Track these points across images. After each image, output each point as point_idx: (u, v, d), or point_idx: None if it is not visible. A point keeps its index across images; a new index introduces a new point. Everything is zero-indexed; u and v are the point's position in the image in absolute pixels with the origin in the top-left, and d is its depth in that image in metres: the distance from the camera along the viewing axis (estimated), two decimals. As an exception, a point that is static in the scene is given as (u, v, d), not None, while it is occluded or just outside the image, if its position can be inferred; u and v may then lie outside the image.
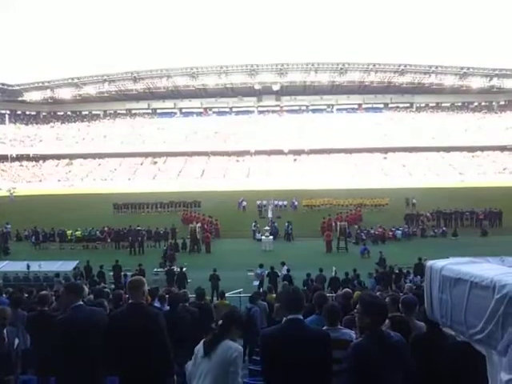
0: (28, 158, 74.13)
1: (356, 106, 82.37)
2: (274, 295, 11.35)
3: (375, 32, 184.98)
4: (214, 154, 71.20)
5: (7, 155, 70.85)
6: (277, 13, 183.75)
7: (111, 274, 17.80)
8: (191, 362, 3.45)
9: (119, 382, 3.92)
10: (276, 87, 76.52)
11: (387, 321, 3.92)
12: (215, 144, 71.75)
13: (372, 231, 26.32)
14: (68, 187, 60.95)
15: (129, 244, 24.76)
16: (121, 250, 25.17)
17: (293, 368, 3.11)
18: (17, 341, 4.52)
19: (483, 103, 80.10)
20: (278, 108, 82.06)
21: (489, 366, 2.26)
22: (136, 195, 44.49)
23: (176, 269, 18.03)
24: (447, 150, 67.81)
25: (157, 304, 7.17)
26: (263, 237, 25.26)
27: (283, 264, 17.02)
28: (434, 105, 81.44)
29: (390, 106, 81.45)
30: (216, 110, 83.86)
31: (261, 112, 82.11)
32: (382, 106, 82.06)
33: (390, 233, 26.27)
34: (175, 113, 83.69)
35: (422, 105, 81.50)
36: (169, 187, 54.16)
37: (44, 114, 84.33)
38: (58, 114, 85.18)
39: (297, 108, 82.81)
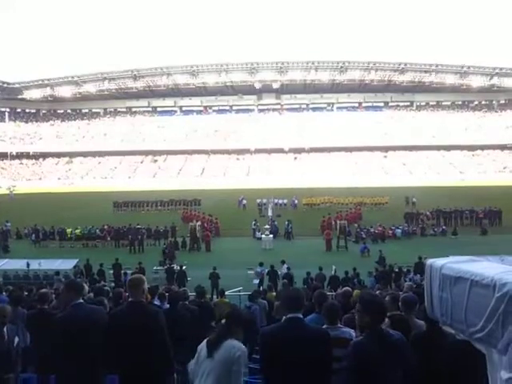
0: (28, 155, 74.11)
1: (356, 105, 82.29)
2: (274, 293, 11.37)
3: (376, 30, 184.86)
4: (214, 152, 71.20)
5: (7, 153, 70.83)
6: (277, 11, 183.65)
7: (111, 272, 17.82)
8: (194, 360, 3.45)
9: (119, 381, 3.92)
10: (276, 85, 76.47)
11: (387, 319, 3.93)
12: (215, 142, 71.74)
13: (372, 230, 26.34)
14: (68, 185, 60.95)
15: (129, 242, 24.77)
16: (121, 248, 25.18)
17: (292, 366, 3.12)
18: (17, 339, 4.52)
19: (483, 102, 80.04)
20: (278, 106, 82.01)
21: (489, 364, 2.25)
22: (136, 193, 44.49)
23: (176, 267, 18.05)
24: (447, 148, 67.81)
25: (157, 302, 7.18)
26: (263, 235, 25.27)
27: (283, 262, 17.04)
28: (435, 103, 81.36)
29: (391, 104, 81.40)
30: (216, 108, 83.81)
31: (261, 110, 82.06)
32: (382, 104, 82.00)
33: (390, 231, 26.28)
34: (175, 111, 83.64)
35: (423, 103, 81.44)
36: (169, 185, 54.15)
37: (44, 111, 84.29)
38: (58, 111, 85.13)
39: (297, 106, 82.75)
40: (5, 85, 73.03)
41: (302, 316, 3.32)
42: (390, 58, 72.67)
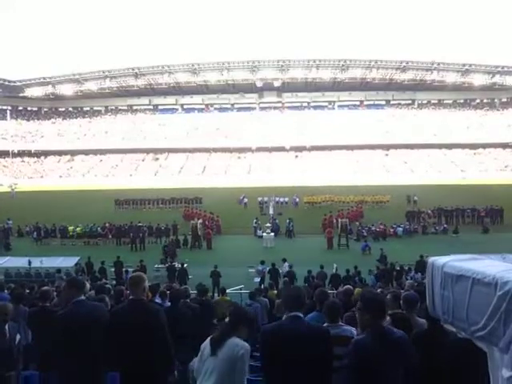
0: (29, 153, 74.16)
1: (358, 103, 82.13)
2: (275, 292, 11.39)
3: (377, 29, 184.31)
4: (216, 150, 71.17)
5: (9, 151, 70.91)
6: (278, 9, 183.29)
7: (112, 270, 17.85)
8: (197, 358, 3.45)
9: (120, 378, 3.93)
10: (277, 84, 76.34)
11: (388, 318, 3.93)
12: (216, 140, 71.70)
13: (373, 228, 26.35)
14: (69, 183, 60.99)
15: (130, 240, 24.82)
16: (122, 246, 25.22)
17: (292, 364, 3.12)
18: (18, 336, 4.53)
19: (485, 100, 79.83)
20: (279, 104, 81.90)
21: (490, 362, 2.25)
22: (137, 191, 44.51)
23: (177, 265, 18.08)
24: (449, 147, 67.67)
25: (158, 300, 7.19)
26: (264, 233, 25.29)
27: (284, 261, 17.07)
28: (436, 102, 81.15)
29: (392, 102, 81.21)
30: (217, 106, 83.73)
31: (262, 108, 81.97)
32: (383, 102, 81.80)
33: (391, 230, 26.29)
34: (177, 109, 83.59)
35: (424, 102, 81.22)
36: (170, 183, 54.15)
37: (45, 109, 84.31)
38: (60, 109, 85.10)
39: (298, 104, 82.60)
40: (6, 83, 73.03)
41: (302, 315, 3.33)
42: (392, 56, 72.86)
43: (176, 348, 4.19)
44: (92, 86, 76.45)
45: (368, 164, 64.05)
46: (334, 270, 15.84)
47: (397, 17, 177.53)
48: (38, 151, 74.18)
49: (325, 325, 3.81)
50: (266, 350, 3.28)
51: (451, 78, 72.41)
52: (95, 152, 72.26)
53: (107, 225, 26.96)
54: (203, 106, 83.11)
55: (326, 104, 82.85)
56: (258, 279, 16.51)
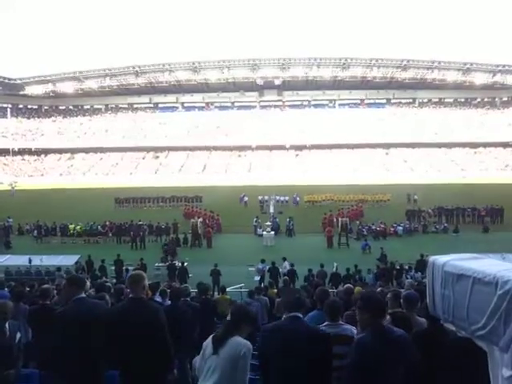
0: (30, 152, 74.17)
1: (358, 102, 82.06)
2: (275, 290, 11.41)
3: (378, 27, 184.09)
4: (216, 148, 71.14)
5: (9, 149, 70.89)
6: (279, 7, 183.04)
7: (113, 268, 17.87)
8: (199, 356, 3.45)
9: (119, 376, 3.93)
10: (278, 82, 76.26)
11: (388, 317, 3.94)
12: (217, 139, 71.68)
13: (373, 227, 26.36)
14: (70, 181, 61.00)
15: (130, 238, 24.84)
16: (122, 244, 25.24)
17: (290, 364, 3.13)
18: (18, 335, 4.53)
19: (486, 99, 79.74)
20: (279, 103, 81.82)
21: (490, 362, 2.25)
22: (137, 190, 44.51)
23: (177, 263, 18.09)
24: (449, 146, 67.62)
25: (158, 299, 7.19)
26: (264, 232, 25.30)
27: (284, 259, 17.10)
28: (437, 100, 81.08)
29: (393, 101, 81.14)
30: (218, 104, 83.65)
31: (263, 107, 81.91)
32: (384, 101, 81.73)
33: (392, 229, 26.31)
34: (177, 107, 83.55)
35: (425, 100, 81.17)
36: (170, 182, 54.16)
37: (46, 107, 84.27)
38: (60, 108, 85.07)
39: (299, 103, 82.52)
40: (6, 80, 73.03)
41: (301, 315, 3.34)
42: (393, 54, 72.93)
43: (175, 347, 4.19)
44: (92, 84, 76.41)
45: (368, 163, 64.02)
46: (334, 269, 15.84)
47: (398, 15, 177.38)
48: (38, 149, 74.17)
49: (325, 323, 3.82)
50: (265, 348, 3.29)
51: (452, 76, 72.34)
52: (95, 150, 72.26)
53: (107, 223, 26.99)
54: (204, 105, 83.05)
55: (327, 102, 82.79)
56: (258, 278, 16.51)
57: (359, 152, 67.95)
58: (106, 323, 3.90)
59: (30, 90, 76.64)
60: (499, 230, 26.59)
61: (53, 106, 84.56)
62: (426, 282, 2.77)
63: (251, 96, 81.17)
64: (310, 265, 15.94)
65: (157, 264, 19.09)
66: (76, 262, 18.33)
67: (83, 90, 78.40)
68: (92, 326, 3.90)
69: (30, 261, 18.36)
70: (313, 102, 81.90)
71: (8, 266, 18.20)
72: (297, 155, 69.51)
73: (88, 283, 5.56)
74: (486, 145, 67.34)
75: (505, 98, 78.81)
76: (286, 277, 13.88)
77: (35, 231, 26.87)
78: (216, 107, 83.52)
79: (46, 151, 73.47)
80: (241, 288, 14.27)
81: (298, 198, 37.89)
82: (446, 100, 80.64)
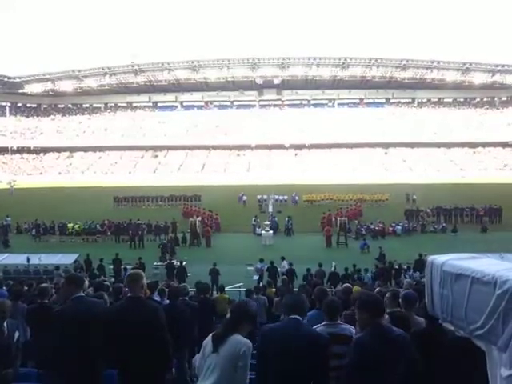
0: (29, 150, 73.99)
1: (357, 101, 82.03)
2: (274, 289, 11.41)
3: (377, 27, 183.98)
4: (215, 147, 71.07)
5: (8, 147, 70.70)
6: (278, 6, 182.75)
7: (111, 267, 17.86)
8: (199, 355, 3.44)
9: (118, 375, 3.93)
10: (277, 81, 76.18)
11: (387, 316, 3.94)
12: (216, 138, 71.59)
13: (372, 226, 26.39)
14: (68, 180, 60.93)
15: (129, 237, 24.82)
16: (121, 243, 25.23)
17: (289, 366, 3.13)
18: (17, 333, 4.52)
19: (485, 99, 79.73)
20: (279, 102, 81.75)
21: (488, 361, 2.25)
22: (136, 188, 44.48)
23: (176, 263, 18.09)
24: (448, 145, 67.63)
25: (156, 298, 7.19)
26: (263, 231, 25.32)
27: (283, 259, 17.11)
28: (436, 100, 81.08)
29: (392, 101, 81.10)
30: (217, 103, 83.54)
31: (262, 106, 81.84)
32: (383, 100, 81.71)
33: (390, 228, 26.34)
34: (176, 106, 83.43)
35: (424, 100, 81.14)
36: (169, 181, 54.10)
37: (45, 106, 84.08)
38: (59, 106, 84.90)
39: (298, 102, 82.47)
40: (5, 79, 72.82)
41: (301, 318, 3.34)
42: (392, 54, 72.78)
43: (174, 346, 4.19)
44: (91, 83, 76.26)
45: (367, 162, 64.02)
46: (333, 269, 15.85)
47: (397, 15, 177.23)
48: (37, 148, 74.00)
49: (324, 323, 3.82)
50: (263, 348, 3.30)
51: (451, 76, 72.34)
52: (94, 149, 72.12)
53: (106, 222, 26.98)
54: (203, 103, 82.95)
55: (326, 102, 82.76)
56: (256, 277, 16.54)
57: (358, 151, 67.95)
58: (105, 322, 3.90)
59: (29, 89, 76.45)
60: (498, 229, 26.63)
61: (52, 104, 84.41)
62: (425, 282, 2.77)
63: (250, 95, 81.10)
64: (308, 264, 15.94)
65: (155, 263, 19.09)
66: (74, 261, 18.31)
67: (82, 88, 78.24)
68: (90, 325, 3.89)
69: (28, 259, 18.34)
70: (312, 102, 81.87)
71: (6, 264, 18.17)
72: (296, 154, 69.50)
73: (86, 282, 5.55)
74: (485, 145, 67.37)
75: (504, 98, 78.82)
76: (284, 276, 13.89)
77: (34, 230, 26.84)
78: (215, 106, 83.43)
79: (45, 150, 73.34)
80: (240, 287, 14.27)
81: (296, 198, 37.91)
82: (445, 100, 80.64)
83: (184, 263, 17.47)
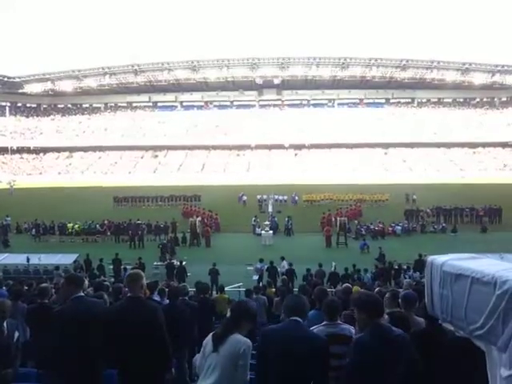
0: (28, 150, 73.98)
1: (357, 101, 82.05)
2: (274, 289, 11.42)
3: (377, 27, 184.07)
4: (215, 147, 71.07)
5: (7, 147, 70.69)
6: (278, 6, 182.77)
7: (111, 267, 17.86)
8: (200, 354, 3.45)
9: (118, 375, 3.93)
10: (277, 81, 76.18)
11: (386, 316, 3.94)
12: (216, 138, 71.59)
13: (372, 227, 26.39)
14: (68, 180, 60.93)
15: (129, 237, 24.82)
16: (121, 243, 25.23)
17: (289, 368, 3.14)
18: (17, 333, 4.52)
19: (485, 99, 79.77)
20: (279, 102, 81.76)
21: (488, 361, 2.25)
22: (136, 188, 44.48)
23: (176, 263, 18.09)
24: (448, 145, 67.65)
25: (156, 298, 7.19)
26: (263, 231, 25.32)
27: (283, 259, 17.11)
28: (436, 100, 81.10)
29: (392, 101, 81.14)
30: (217, 103, 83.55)
31: (262, 106, 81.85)
32: (383, 101, 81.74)
33: (390, 228, 26.34)
34: (176, 106, 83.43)
35: (424, 100, 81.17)
36: (169, 181, 54.13)
37: (44, 106, 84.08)
38: (59, 106, 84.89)
39: (298, 102, 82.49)
40: (5, 79, 72.79)
41: (301, 320, 3.35)
42: (392, 54, 72.74)
43: (174, 346, 4.19)
44: (91, 83, 76.25)
45: (367, 162, 64.05)
46: (333, 269, 15.85)
47: (397, 15, 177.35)
48: (36, 148, 73.99)
49: (324, 323, 3.82)
50: (264, 349, 3.30)
51: (451, 76, 72.36)
52: (94, 149, 72.11)
53: (106, 222, 26.98)
54: (202, 103, 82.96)
55: (326, 102, 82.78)
56: (256, 277, 16.54)
57: (358, 151, 67.96)
58: (105, 322, 3.90)
59: (29, 89, 76.43)
60: (497, 229, 26.64)
61: (52, 104, 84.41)
62: (425, 282, 2.77)
63: (250, 95, 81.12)
64: (308, 264, 15.94)
65: (155, 263, 19.09)
66: (74, 261, 18.30)
67: (82, 88, 78.22)
68: (90, 325, 3.89)
69: (28, 259, 18.33)
70: (312, 102, 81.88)
71: (6, 264, 18.16)
72: (296, 154, 69.51)
73: (86, 282, 5.55)
74: (484, 145, 67.40)
75: (504, 98, 78.86)
76: (284, 276, 13.90)
77: (33, 230, 26.83)
78: (215, 106, 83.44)
79: (45, 150, 73.33)
80: (239, 287, 14.28)
81: (296, 198, 37.91)
82: (444, 100, 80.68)
83: (184, 263, 17.47)
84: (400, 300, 4.61)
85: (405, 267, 16.76)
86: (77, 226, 26.90)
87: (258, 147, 70.31)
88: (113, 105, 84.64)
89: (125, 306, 3.97)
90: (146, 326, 3.82)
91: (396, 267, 16.48)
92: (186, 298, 7.98)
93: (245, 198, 38.10)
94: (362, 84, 77.32)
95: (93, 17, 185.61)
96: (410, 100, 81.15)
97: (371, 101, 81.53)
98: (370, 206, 35.52)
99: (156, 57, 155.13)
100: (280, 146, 69.63)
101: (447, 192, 39.83)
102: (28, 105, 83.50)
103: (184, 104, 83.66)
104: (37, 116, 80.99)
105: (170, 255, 20.47)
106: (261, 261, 17.03)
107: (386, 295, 4.73)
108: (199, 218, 26.92)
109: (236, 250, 22.79)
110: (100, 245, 24.92)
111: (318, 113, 77.30)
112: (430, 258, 2.68)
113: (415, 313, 4.43)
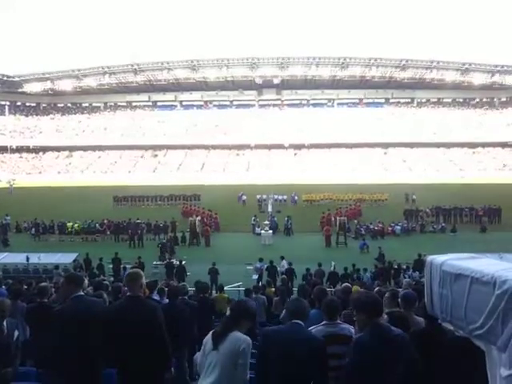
0: (28, 149, 73.92)
1: (357, 101, 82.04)
2: (273, 289, 11.42)
3: (377, 26, 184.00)
4: (214, 147, 71.05)
5: (7, 147, 70.64)
6: (278, 6, 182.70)
7: (110, 266, 17.86)
8: (200, 353, 3.46)
9: (117, 375, 3.93)
10: (277, 81, 76.18)
11: (386, 316, 3.94)
12: (215, 137, 71.57)
13: (371, 226, 26.39)
14: (68, 179, 60.90)
15: (128, 237, 24.81)
16: (120, 242, 25.23)
17: (290, 370, 3.15)
18: (16, 333, 4.52)
19: (485, 99, 79.77)
20: (278, 102, 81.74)
21: (488, 361, 2.26)
22: (136, 188, 44.47)
23: (175, 262, 18.09)
24: (448, 145, 67.67)
25: (156, 297, 7.19)
26: (263, 231, 25.32)
27: (282, 258, 17.12)
28: (435, 100, 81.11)
29: (391, 101, 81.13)
30: (216, 103, 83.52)
31: (261, 106, 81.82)
32: (383, 100, 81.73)
33: (390, 228, 26.35)
34: (175, 105, 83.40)
35: (423, 100, 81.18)
36: (169, 180, 54.12)
37: (44, 105, 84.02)
38: (58, 105, 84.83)
39: (297, 102, 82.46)
40: (5, 78, 72.71)
41: (302, 323, 3.37)
42: (391, 54, 72.78)
43: (173, 345, 4.19)
44: (91, 82, 76.20)
45: (367, 162, 64.05)
46: (332, 268, 15.86)
47: (397, 15, 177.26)
48: (36, 147, 73.92)
49: (323, 323, 3.82)
50: (264, 349, 3.31)
51: (451, 76, 72.36)
52: (94, 148, 72.07)
53: (105, 221, 26.96)
54: (202, 103, 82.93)
55: (326, 102, 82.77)
56: (255, 276, 16.54)
57: (358, 151, 67.96)
58: (104, 321, 3.90)
59: (29, 88, 76.35)
60: (497, 229, 26.66)
61: (51, 103, 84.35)
62: (424, 282, 2.77)
63: (250, 95, 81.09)
64: (308, 264, 15.95)
65: (155, 262, 19.09)
66: (74, 260, 18.30)
67: (82, 87, 78.17)
68: (90, 324, 3.89)
69: (27, 259, 18.32)
70: (311, 101, 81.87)
71: (6, 263, 18.16)
72: (295, 154, 69.50)
73: (86, 281, 5.55)
74: (484, 145, 67.43)
75: (503, 99, 78.88)
76: (284, 276, 13.91)
77: (33, 229, 26.81)
78: (215, 106, 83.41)
79: (44, 149, 73.25)
80: (239, 287, 14.28)
81: (296, 197, 37.91)
82: (444, 100, 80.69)
83: (183, 262, 17.47)
84: (399, 300, 4.61)
85: (404, 267, 16.77)
86: (76, 225, 26.89)
87: (257, 147, 70.30)
88: (112, 104, 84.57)
89: (124, 306, 3.97)
90: (145, 326, 3.82)
91: (395, 267, 16.50)
92: (186, 297, 7.98)
93: (244, 197, 38.10)
94: (362, 84, 77.31)
95: (92, 16, 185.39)
96: (409, 100, 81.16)
97: (371, 101, 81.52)
98: (369, 205, 35.53)
99: (156, 56, 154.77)
100: (280, 146, 69.62)
101: (447, 192, 39.84)
102: (27, 104, 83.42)
103: (184, 103, 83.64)
104: (36, 115, 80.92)
105: (169, 254, 20.46)
106: (260, 260, 17.04)
107: (386, 295, 4.74)
108: (199, 218, 26.91)
109: (235, 249, 22.79)
110: (99, 244, 24.92)
111: (318, 113, 77.28)
112: (429, 258, 2.68)
113: (415, 312, 4.43)
